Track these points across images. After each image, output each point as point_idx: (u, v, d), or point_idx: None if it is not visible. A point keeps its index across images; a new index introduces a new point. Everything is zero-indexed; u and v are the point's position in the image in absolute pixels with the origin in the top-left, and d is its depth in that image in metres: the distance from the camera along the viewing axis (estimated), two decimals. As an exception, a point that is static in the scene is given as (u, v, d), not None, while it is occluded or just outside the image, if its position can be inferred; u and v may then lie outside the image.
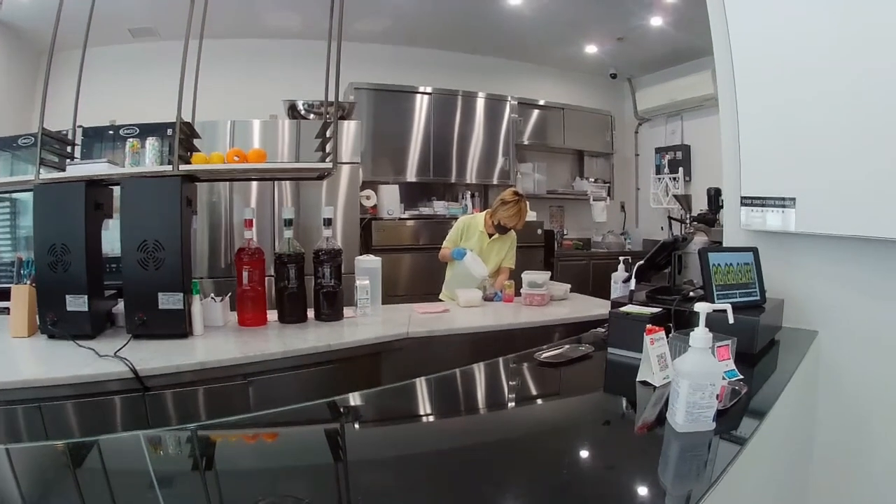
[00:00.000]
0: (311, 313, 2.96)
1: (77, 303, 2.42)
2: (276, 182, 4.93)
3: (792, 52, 2.35)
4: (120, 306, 2.60)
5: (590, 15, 5.95)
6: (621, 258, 3.21)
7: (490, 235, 4.00)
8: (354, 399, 1.76)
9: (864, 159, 2.15)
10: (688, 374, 1.34)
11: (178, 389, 2.16)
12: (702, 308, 1.44)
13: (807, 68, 2.31)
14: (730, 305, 1.62)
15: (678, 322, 2.12)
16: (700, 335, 1.38)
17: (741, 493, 1.48)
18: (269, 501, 1.12)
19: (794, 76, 2.36)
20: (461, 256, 3.79)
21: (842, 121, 2.21)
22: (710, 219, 4.20)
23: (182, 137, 2.61)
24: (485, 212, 4.11)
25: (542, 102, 7.24)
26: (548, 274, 3.71)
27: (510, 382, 2.01)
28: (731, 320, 1.59)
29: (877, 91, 2.10)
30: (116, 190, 2.63)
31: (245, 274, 2.78)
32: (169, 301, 2.46)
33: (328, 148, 2.73)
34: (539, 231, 6.57)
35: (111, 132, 4.22)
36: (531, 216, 6.60)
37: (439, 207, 6.37)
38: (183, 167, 2.56)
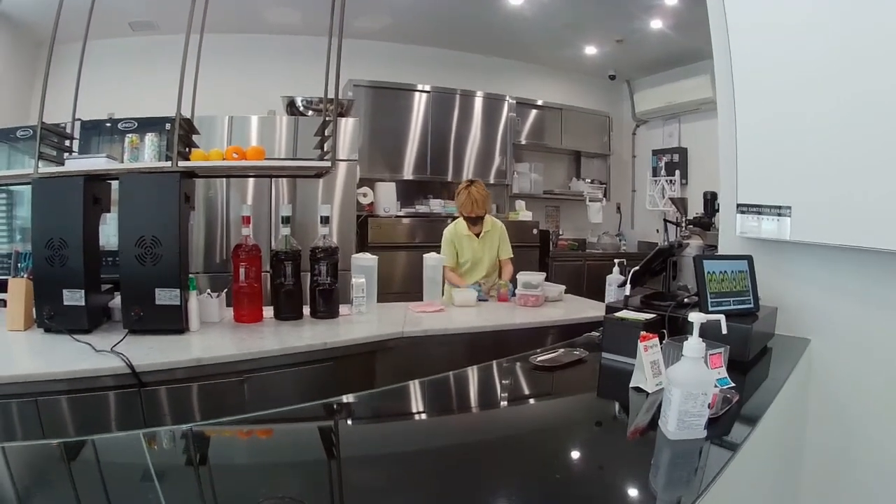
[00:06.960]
0: (306, 310, 2.96)
1: (74, 297, 2.42)
2: (273, 178, 4.92)
3: (792, 63, 2.36)
4: (116, 301, 2.60)
5: (590, 16, 5.95)
6: (616, 260, 3.22)
7: (477, 235, 4.03)
8: (350, 401, 1.77)
9: (861, 171, 2.17)
10: (680, 383, 1.36)
11: (173, 385, 2.16)
12: (695, 318, 1.46)
13: (806, 79, 2.32)
14: (723, 316, 1.63)
15: (672, 328, 2.14)
16: (693, 345, 1.39)
17: (731, 499, 1.49)
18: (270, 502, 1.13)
19: (793, 86, 2.37)
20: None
21: (839, 132, 2.22)
22: (705, 223, 4.21)
23: (181, 133, 2.61)
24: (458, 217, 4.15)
25: (540, 102, 7.24)
26: (543, 275, 3.72)
27: (505, 384, 2.02)
28: (724, 331, 1.61)
29: (875, 106, 2.11)
30: (114, 183, 2.63)
31: (242, 270, 2.77)
32: (166, 297, 2.46)
33: (326, 146, 2.73)
34: (534, 231, 6.58)
35: (109, 125, 4.22)
36: (527, 216, 6.62)
37: (435, 205, 6.35)
38: (182, 164, 2.56)
